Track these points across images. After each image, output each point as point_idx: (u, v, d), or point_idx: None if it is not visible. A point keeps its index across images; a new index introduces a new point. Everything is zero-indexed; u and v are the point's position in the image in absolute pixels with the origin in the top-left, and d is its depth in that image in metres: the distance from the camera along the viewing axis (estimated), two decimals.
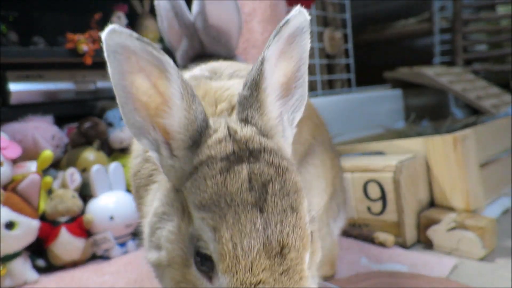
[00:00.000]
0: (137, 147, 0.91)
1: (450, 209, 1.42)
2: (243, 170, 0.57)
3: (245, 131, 0.63)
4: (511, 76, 3.32)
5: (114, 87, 0.59)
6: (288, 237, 0.54)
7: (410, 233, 1.39)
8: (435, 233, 1.33)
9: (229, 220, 0.53)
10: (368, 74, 3.32)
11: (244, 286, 0.52)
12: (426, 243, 1.39)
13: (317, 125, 1.16)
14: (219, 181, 0.56)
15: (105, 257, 1.50)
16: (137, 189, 0.86)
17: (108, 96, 1.91)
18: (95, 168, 1.52)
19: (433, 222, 1.36)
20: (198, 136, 0.62)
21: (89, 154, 1.64)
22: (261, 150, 0.60)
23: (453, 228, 1.30)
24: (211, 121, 0.64)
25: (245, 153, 0.59)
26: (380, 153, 1.63)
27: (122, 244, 1.53)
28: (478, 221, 1.29)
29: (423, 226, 1.39)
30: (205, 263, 0.56)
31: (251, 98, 0.64)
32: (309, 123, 1.11)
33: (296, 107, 0.70)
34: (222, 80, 0.93)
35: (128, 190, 1.62)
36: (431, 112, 3.06)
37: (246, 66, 1.02)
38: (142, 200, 0.85)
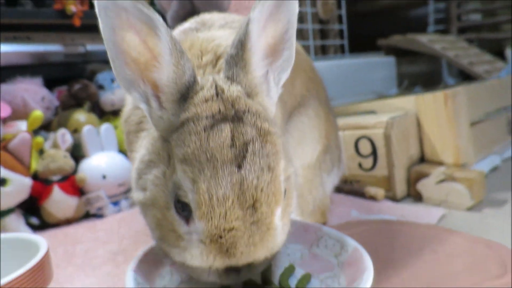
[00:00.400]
0: (129, 97, 0.91)
1: (441, 164, 1.44)
2: (226, 128, 0.60)
3: (232, 91, 0.66)
4: (504, 44, 3.31)
5: (105, 42, 0.61)
6: (262, 192, 0.59)
7: (400, 187, 1.41)
8: (425, 186, 1.35)
9: (207, 174, 0.57)
10: (361, 41, 3.29)
11: (217, 230, 0.57)
12: (415, 197, 1.41)
13: (311, 79, 1.16)
14: (202, 137, 0.59)
15: (98, 216, 1.51)
16: (127, 135, 0.88)
17: (98, 59, 1.89)
18: (86, 128, 1.51)
19: (423, 176, 1.38)
20: (186, 90, 0.65)
21: (80, 116, 1.63)
22: (245, 111, 0.63)
23: (442, 181, 1.32)
24: (198, 77, 0.67)
25: (230, 112, 0.62)
26: (372, 112, 1.63)
27: (115, 203, 1.54)
28: (467, 173, 1.31)
29: (413, 180, 1.41)
30: (185, 208, 0.60)
31: (237, 57, 0.67)
32: (303, 75, 1.11)
33: (282, 68, 0.73)
34: (212, 31, 0.93)
35: (120, 151, 1.63)
36: (424, 79, 3.07)
37: (240, 18, 1.01)
38: (132, 146, 0.86)
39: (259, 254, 0.60)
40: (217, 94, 0.64)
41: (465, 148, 1.43)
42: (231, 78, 0.68)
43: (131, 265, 0.72)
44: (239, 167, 0.58)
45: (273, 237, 0.61)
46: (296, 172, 0.79)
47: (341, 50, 3.16)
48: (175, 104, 0.65)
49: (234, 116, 0.62)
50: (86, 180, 1.47)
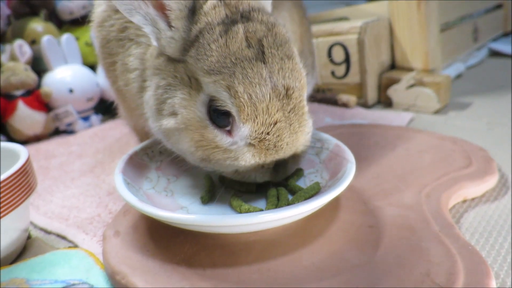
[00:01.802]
0: None
1: (410, 70, 1.47)
2: (239, 30, 0.61)
3: None
4: None
5: None
6: (290, 79, 0.62)
7: (372, 94, 1.45)
8: (395, 92, 1.39)
9: (238, 76, 0.59)
10: None
11: (264, 127, 0.61)
12: (385, 103, 1.46)
13: None
14: (221, 43, 0.60)
15: (69, 131, 1.47)
16: (106, 42, 0.81)
17: None
18: (45, 38, 1.41)
19: (394, 82, 1.41)
20: (193, 4, 0.64)
21: (37, 25, 1.51)
22: (250, 10, 0.65)
23: (412, 86, 1.36)
24: None
25: (237, 15, 0.64)
26: (344, 18, 1.60)
27: (85, 118, 1.50)
28: (435, 77, 1.35)
29: (384, 86, 1.44)
30: (224, 120, 0.62)
31: None
32: None
33: None
34: None
35: (85, 64, 1.54)
36: None
37: None
38: (113, 57, 0.80)
39: (300, 141, 0.65)
40: (220, 0, 0.65)
41: (434, 53, 1.46)
42: None
43: (118, 167, 0.72)
44: (264, 62, 0.61)
45: (307, 120, 0.67)
46: None
47: None
48: (185, 20, 0.64)
49: (242, 17, 0.64)
50: (52, 94, 1.41)
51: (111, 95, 1.05)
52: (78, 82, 1.45)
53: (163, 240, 0.66)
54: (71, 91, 1.43)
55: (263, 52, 0.61)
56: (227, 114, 0.62)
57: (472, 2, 1.87)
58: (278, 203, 0.66)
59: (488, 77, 1.70)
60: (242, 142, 0.62)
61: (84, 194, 0.97)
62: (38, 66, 1.47)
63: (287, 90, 0.62)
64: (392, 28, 1.49)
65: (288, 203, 0.66)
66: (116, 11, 0.76)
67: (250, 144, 0.62)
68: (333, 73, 1.49)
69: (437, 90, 1.32)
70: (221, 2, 0.65)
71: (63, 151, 1.31)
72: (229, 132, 0.63)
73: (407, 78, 1.36)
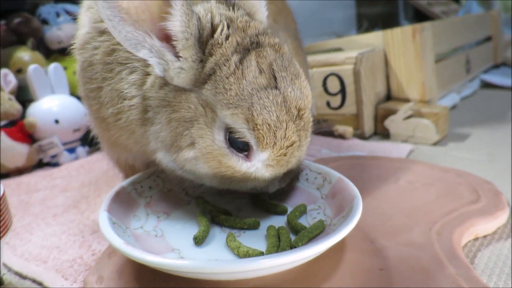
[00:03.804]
0: (83, 18, 0.79)
1: (406, 101, 1.44)
2: (252, 58, 0.62)
3: (240, 19, 0.67)
4: None
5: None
6: (300, 100, 0.64)
7: (368, 125, 1.41)
8: (392, 122, 1.36)
9: (257, 108, 0.59)
10: None
11: (282, 149, 0.62)
12: (382, 134, 1.42)
13: (280, 10, 1.10)
14: (238, 75, 0.61)
15: (53, 164, 1.40)
16: (88, 65, 0.75)
17: None
18: (32, 67, 1.36)
19: (391, 113, 1.38)
20: (197, 31, 0.62)
21: (23, 54, 1.46)
22: (258, 34, 0.66)
23: (409, 117, 1.33)
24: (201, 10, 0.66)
25: (246, 41, 0.64)
26: (339, 49, 1.59)
27: (71, 150, 1.44)
28: (433, 108, 1.33)
29: (380, 117, 1.41)
30: (243, 147, 0.63)
31: None
32: (271, 6, 1.04)
33: None
34: None
35: (72, 94, 1.49)
36: (381, 22, 3.05)
37: None
38: (101, 83, 0.74)
39: (304, 149, 0.68)
40: (228, 27, 0.65)
41: (430, 83, 1.44)
42: (232, 4, 0.69)
43: (103, 205, 0.66)
44: (276, 88, 0.62)
45: (310, 131, 0.69)
46: None
47: None
48: (192, 49, 0.62)
49: (252, 43, 0.64)
50: (36, 125, 1.34)
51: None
52: (64, 112, 1.39)
53: (152, 287, 0.59)
54: (57, 121, 1.37)
55: (274, 77, 0.62)
56: (247, 143, 0.63)
57: (463, 34, 1.88)
58: (279, 244, 0.60)
59: (482, 108, 1.69)
60: (260, 164, 0.64)
61: (67, 233, 0.89)
62: (24, 96, 1.41)
63: (299, 111, 0.63)
64: (387, 59, 1.47)
65: (291, 245, 0.60)
66: (102, 32, 0.71)
67: (268, 165, 0.64)
68: (328, 104, 1.45)
69: (436, 121, 1.29)
70: (229, 29, 0.65)
71: (46, 185, 1.24)
72: (247, 157, 0.64)
73: (404, 109, 1.33)
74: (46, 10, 1.55)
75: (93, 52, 0.73)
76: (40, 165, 1.41)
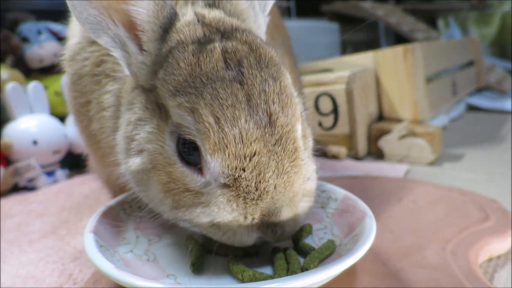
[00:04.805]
0: (74, 27, 0.75)
1: (399, 120, 1.42)
2: (216, 49, 0.53)
3: (213, 14, 0.60)
4: (436, 15, 3.45)
5: None
6: (274, 104, 0.51)
7: (362, 145, 1.38)
8: (387, 142, 1.33)
9: (206, 97, 0.49)
10: (309, 6, 3.25)
11: (237, 160, 0.48)
12: (376, 154, 1.39)
13: (277, 26, 1.08)
14: (192, 62, 0.52)
15: (29, 188, 1.31)
16: (78, 77, 0.71)
17: (20, 7, 1.62)
18: (10, 86, 1.29)
19: (384, 133, 1.35)
20: (168, 24, 0.56)
21: (2, 72, 1.39)
22: (232, 30, 0.57)
23: (403, 136, 1.31)
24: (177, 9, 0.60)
25: (216, 34, 0.56)
26: (329, 70, 1.57)
27: (50, 173, 1.35)
28: (427, 128, 1.31)
29: (374, 137, 1.38)
30: (192, 153, 0.51)
31: None
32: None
33: None
34: None
35: (53, 114, 1.42)
36: (364, 47, 3.10)
37: None
38: (89, 96, 0.70)
39: (296, 187, 0.51)
40: (198, 20, 0.58)
41: (422, 103, 1.43)
42: (211, 5, 0.62)
43: (88, 226, 0.59)
44: (241, 84, 0.50)
45: (303, 160, 0.52)
46: None
47: (287, 12, 3.09)
48: (157, 42, 0.56)
49: (222, 37, 0.56)
50: (12, 146, 1.26)
51: (80, 145, 0.93)
52: (43, 132, 1.31)
53: None
54: (35, 142, 1.29)
55: (242, 73, 0.51)
56: (198, 148, 0.51)
57: (449, 57, 1.90)
58: (288, 267, 0.54)
59: (472, 129, 1.69)
60: (215, 183, 0.50)
61: (44, 260, 0.81)
62: (0, 115, 1.33)
63: (270, 116, 0.50)
64: (378, 79, 1.46)
65: (301, 267, 0.54)
66: (92, 43, 0.67)
67: (224, 185, 0.49)
68: (320, 124, 1.42)
69: (430, 140, 1.26)
70: (198, 21, 0.58)
71: (22, 210, 1.15)
72: (201, 170, 0.51)
73: (398, 128, 1.30)
74: (27, 28, 1.49)
75: (82, 63, 0.70)
76: (16, 189, 1.32)
